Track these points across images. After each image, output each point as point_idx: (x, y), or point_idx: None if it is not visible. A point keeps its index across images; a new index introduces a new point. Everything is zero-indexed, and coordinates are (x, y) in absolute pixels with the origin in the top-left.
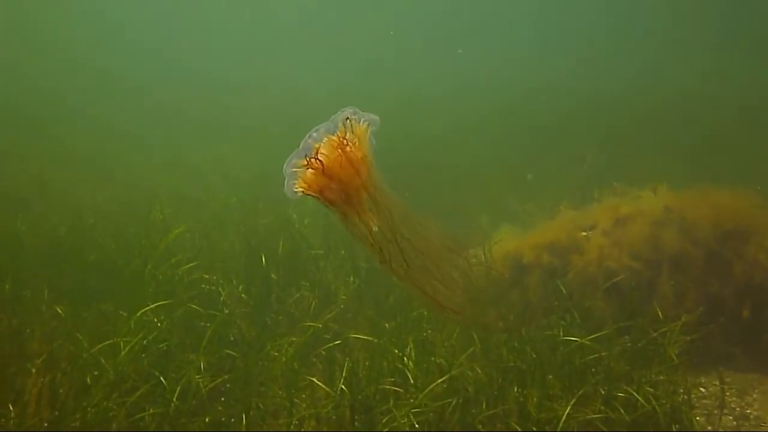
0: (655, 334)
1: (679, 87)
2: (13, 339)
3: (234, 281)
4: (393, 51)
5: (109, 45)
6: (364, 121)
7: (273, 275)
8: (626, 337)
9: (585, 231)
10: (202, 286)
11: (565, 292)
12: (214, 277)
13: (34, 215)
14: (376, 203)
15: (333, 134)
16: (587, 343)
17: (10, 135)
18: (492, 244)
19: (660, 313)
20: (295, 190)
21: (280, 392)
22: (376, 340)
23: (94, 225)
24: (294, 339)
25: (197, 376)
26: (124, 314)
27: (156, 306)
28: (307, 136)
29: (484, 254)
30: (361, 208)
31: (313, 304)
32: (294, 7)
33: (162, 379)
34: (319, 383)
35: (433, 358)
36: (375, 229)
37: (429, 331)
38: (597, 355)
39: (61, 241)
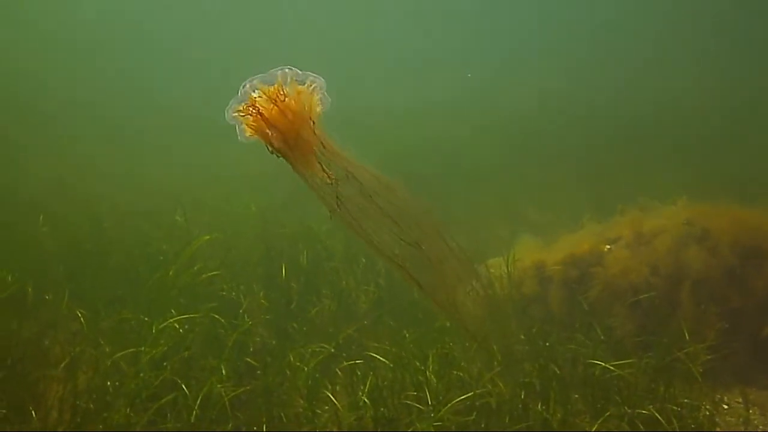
0: (679, 354)
1: (696, 97)
2: (35, 345)
3: (255, 287)
4: (410, 57)
5: (130, 48)
6: (304, 80)
7: (293, 284)
8: (650, 354)
9: (609, 245)
10: (223, 293)
11: (588, 307)
12: (237, 289)
13: (55, 219)
14: (325, 156)
15: (269, 86)
16: (611, 368)
17: (32, 138)
18: (514, 257)
19: (685, 330)
20: (244, 133)
21: (302, 402)
22: (392, 365)
23: (115, 229)
24: (316, 349)
25: (219, 385)
26: (146, 319)
27: (179, 315)
28: (243, 84)
29: (507, 266)
30: (306, 159)
31: (334, 311)
32: (314, 11)
33: (184, 387)
34: (333, 399)
35: (455, 372)
36: (329, 180)
37: (450, 344)
38: (620, 372)
39: (83, 247)
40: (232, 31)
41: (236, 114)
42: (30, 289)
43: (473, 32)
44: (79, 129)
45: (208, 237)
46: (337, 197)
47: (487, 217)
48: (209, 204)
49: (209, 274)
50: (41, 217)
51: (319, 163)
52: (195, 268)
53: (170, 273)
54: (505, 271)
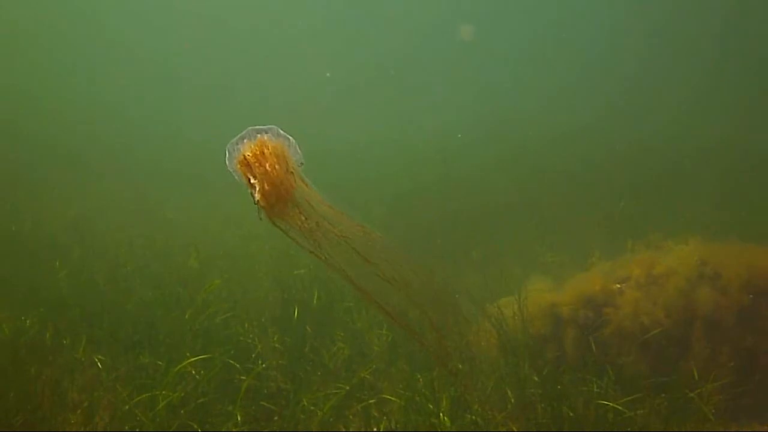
0: (692, 394)
1: (710, 136)
2: (54, 389)
3: (269, 331)
4: (426, 90)
5: (146, 87)
6: (278, 138)
7: (308, 327)
8: (662, 394)
9: (619, 284)
10: (240, 338)
11: (599, 348)
12: (252, 333)
13: (72, 263)
14: (301, 204)
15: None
16: (620, 407)
17: (50, 179)
18: (526, 297)
19: (695, 371)
20: (238, 177)
21: None
22: (405, 407)
23: (132, 273)
24: (330, 392)
25: (234, 430)
26: (160, 363)
27: (194, 360)
28: (232, 141)
29: (519, 306)
30: (286, 209)
31: (347, 354)
32: (331, 48)
33: None
34: None
35: (468, 415)
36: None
37: (463, 387)
38: (632, 413)
39: (100, 290)
40: (248, 70)
41: (235, 166)
42: (48, 334)
43: (488, 68)
44: (94, 171)
45: (218, 281)
46: (316, 244)
47: (498, 255)
48: (223, 243)
49: (224, 316)
50: (58, 262)
51: (299, 211)
52: (210, 310)
53: (186, 316)
54: (517, 310)
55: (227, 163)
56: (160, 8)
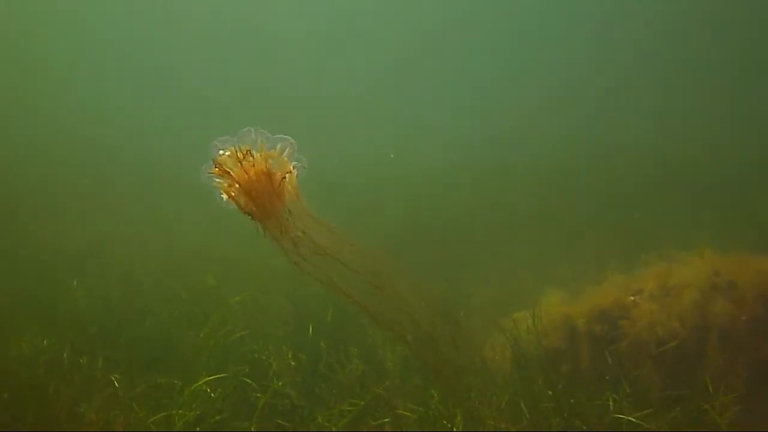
0: (707, 406)
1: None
2: (71, 409)
3: (284, 347)
4: (433, 106)
5: (162, 102)
6: (273, 143)
7: (322, 343)
8: (677, 407)
9: (633, 296)
10: (255, 356)
11: (614, 361)
12: (267, 350)
13: (89, 279)
14: (292, 214)
15: (237, 147)
16: (634, 420)
17: (68, 197)
18: (540, 310)
19: (709, 383)
20: (220, 193)
21: None
22: (417, 418)
23: (148, 291)
24: (344, 408)
25: None
26: (176, 382)
27: (210, 378)
28: (213, 144)
29: (533, 319)
30: (275, 219)
31: (362, 370)
32: (336, 71)
33: None
34: None
35: (483, 430)
36: (299, 234)
37: (477, 402)
38: (648, 425)
39: (116, 308)
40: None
41: (209, 175)
42: (65, 354)
43: (499, 77)
44: (104, 183)
45: (237, 298)
46: (298, 256)
47: (511, 267)
48: (235, 256)
49: (239, 334)
50: (75, 282)
51: (284, 221)
52: (226, 329)
53: (201, 335)
54: (531, 324)
55: (208, 168)
56: (163, 10)
